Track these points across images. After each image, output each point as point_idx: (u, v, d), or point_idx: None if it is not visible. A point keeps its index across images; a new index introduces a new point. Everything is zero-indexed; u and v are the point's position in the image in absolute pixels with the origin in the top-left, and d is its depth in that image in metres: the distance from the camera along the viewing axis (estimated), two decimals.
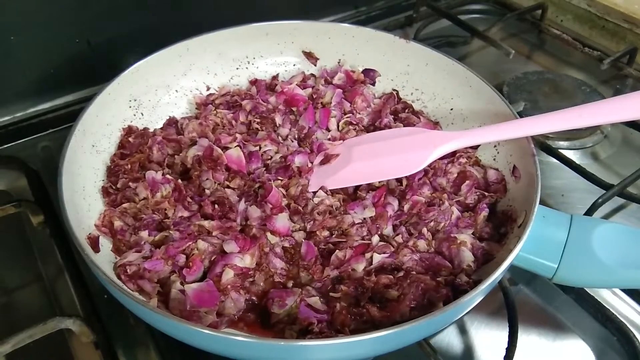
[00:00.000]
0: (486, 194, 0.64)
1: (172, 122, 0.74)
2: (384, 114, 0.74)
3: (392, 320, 0.51)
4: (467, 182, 0.65)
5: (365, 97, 0.77)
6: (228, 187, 0.64)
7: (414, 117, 0.75)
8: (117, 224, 0.58)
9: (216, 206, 0.61)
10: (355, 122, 0.74)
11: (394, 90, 0.79)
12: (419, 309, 0.51)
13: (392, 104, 0.77)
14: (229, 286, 0.54)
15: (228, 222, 0.60)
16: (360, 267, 0.56)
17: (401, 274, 0.55)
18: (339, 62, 0.82)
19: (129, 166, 0.65)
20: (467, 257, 0.57)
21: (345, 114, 0.75)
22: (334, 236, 0.61)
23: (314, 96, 0.76)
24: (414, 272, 0.56)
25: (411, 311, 0.51)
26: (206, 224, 0.59)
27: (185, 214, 0.61)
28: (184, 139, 0.70)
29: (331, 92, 0.75)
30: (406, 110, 0.77)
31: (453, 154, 0.67)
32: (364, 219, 0.61)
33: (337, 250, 0.58)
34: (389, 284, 0.54)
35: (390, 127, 0.73)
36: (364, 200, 0.63)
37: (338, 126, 0.73)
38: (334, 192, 0.64)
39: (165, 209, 0.61)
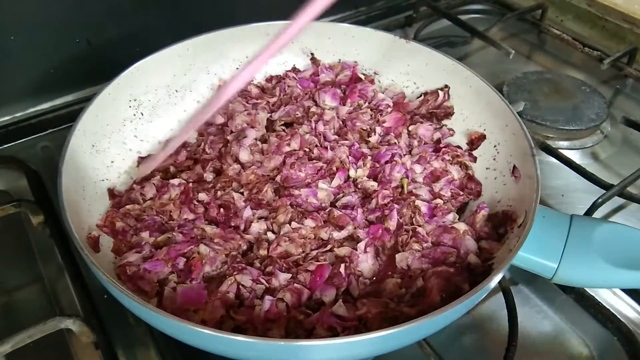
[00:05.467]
0: (461, 192, 0.65)
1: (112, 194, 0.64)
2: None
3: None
4: (443, 179, 0.65)
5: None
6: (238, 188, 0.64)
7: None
8: (119, 224, 0.59)
9: (221, 210, 0.61)
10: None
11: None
12: (448, 296, 0.51)
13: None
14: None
15: (231, 233, 0.59)
16: (329, 298, 0.53)
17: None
18: (339, 62, 0.82)
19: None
20: (471, 244, 0.57)
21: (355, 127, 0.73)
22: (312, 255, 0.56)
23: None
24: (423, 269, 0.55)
25: (442, 300, 0.51)
26: (208, 229, 0.59)
27: (191, 216, 0.61)
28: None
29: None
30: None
31: (439, 148, 0.69)
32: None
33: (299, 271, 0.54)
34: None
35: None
36: (359, 243, 0.58)
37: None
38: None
39: (170, 211, 0.61)
